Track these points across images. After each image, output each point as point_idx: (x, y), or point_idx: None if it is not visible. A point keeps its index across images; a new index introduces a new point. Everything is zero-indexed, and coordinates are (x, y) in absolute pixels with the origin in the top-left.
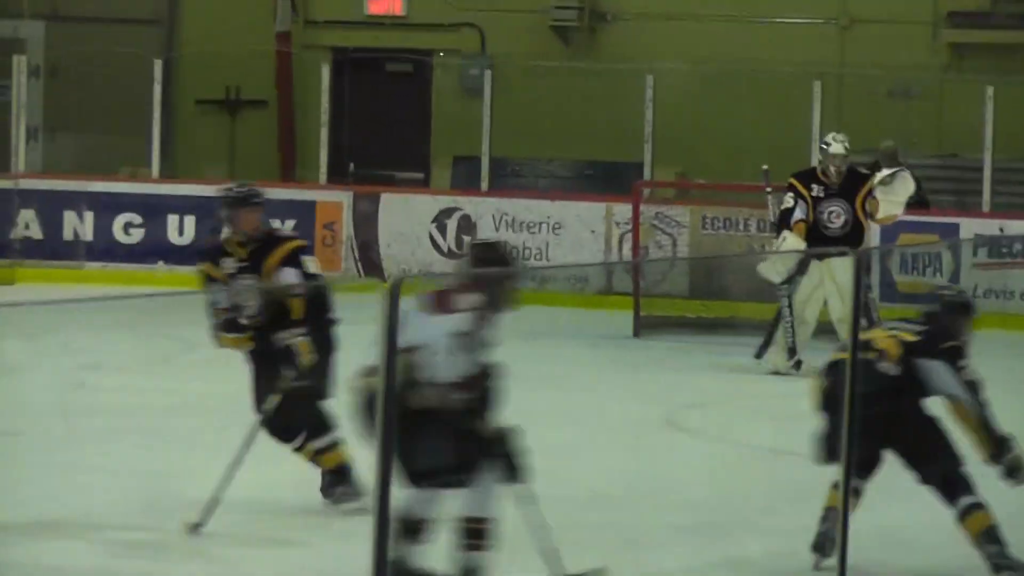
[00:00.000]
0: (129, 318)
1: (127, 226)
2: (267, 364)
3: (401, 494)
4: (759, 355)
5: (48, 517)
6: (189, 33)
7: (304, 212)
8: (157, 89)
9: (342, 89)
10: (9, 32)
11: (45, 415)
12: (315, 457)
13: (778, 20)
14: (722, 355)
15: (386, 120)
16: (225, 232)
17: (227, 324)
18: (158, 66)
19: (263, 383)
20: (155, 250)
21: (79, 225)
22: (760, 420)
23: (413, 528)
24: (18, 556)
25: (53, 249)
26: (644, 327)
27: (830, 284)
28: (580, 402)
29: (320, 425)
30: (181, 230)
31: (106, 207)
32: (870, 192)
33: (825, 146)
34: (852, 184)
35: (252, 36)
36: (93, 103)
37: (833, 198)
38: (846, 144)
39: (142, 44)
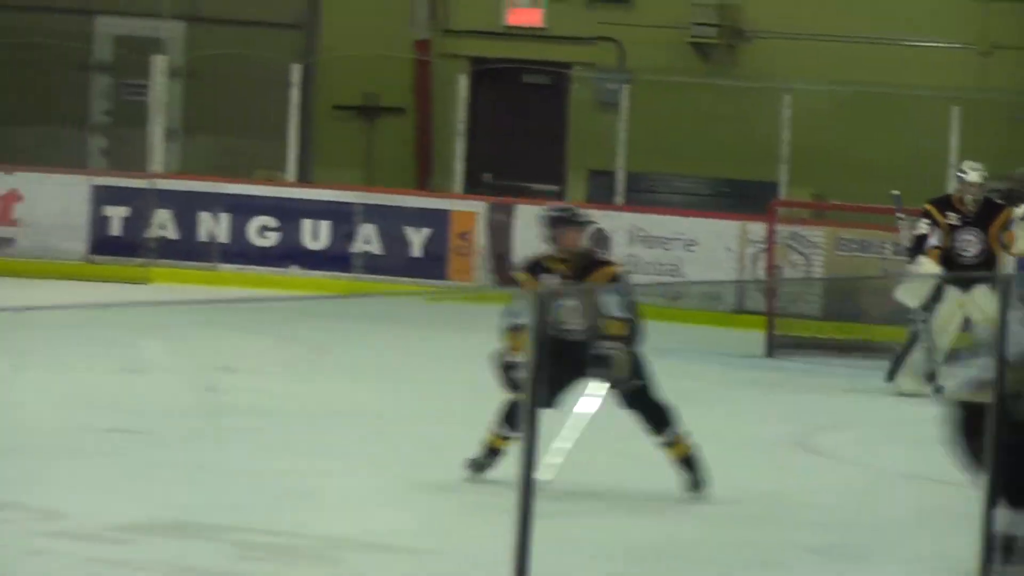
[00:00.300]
0: (262, 321)
1: (262, 229)
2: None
3: (1000, 512)
4: (890, 378)
5: (176, 517)
6: (329, 39)
7: (439, 221)
8: (295, 93)
9: (478, 99)
10: (149, 32)
11: (176, 415)
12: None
13: (918, 44)
14: (856, 378)
15: (522, 131)
16: (545, 249)
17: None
18: (297, 70)
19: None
20: (289, 254)
21: (214, 226)
22: (895, 444)
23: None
24: (147, 555)
25: (187, 250)
26: (777, 347)
27: (977, 313)
28: (712, 420)
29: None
30: (316, 235)
31: (241, 209)
32: (1006, 224)
33: (962, 174)
34: (987, 214)
35: (391, 43)
36: (231, 105)
37: (968, 227)
38: (983, 173)
39: (281, 48)
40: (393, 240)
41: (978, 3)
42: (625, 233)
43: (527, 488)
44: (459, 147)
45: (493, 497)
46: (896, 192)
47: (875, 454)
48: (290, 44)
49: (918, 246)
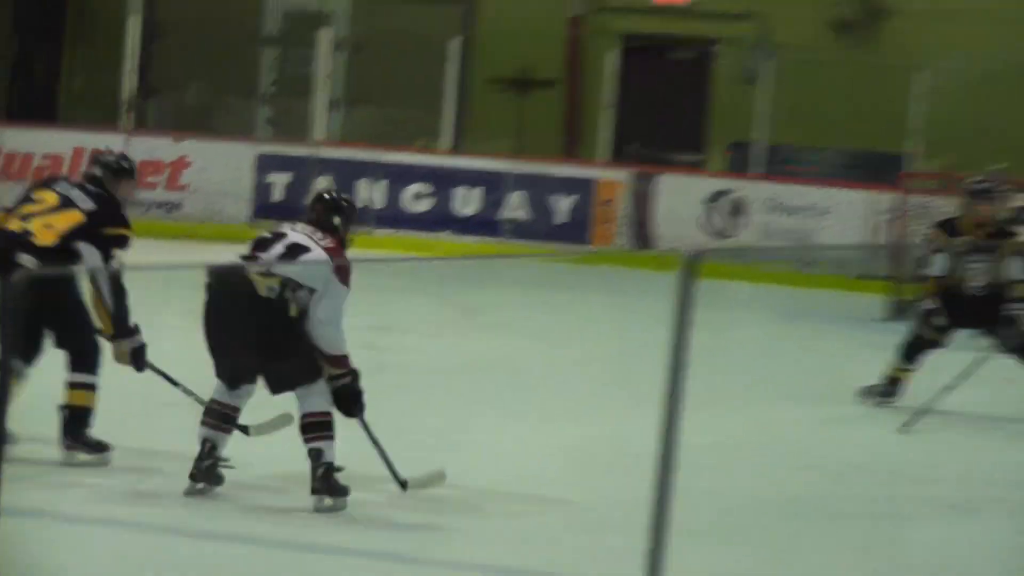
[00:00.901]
0: (416, 283)
1: (417, 196)
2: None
3: None
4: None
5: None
6: (486, 13)
7: (584, 189)
8: (453, 67)
9: (626, 73)
10: (316, 6)
11: None
12: None
13: None
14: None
15: (666, 104)
16: (959, 213)
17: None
18: (455, 45)
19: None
20: (442, 219)
21: (372, 193)
22: (1010, 403)
23: None
24: (303, 503)
25: None
26: (903, 311)
27: None
28: (837, 380)
29: None
30: (467, 201)
31: (398, 177)
32: None
33: None
34: None
35: (546, 19)
36: (391, 77)
37: None
38: None
39: (441, 23)
40: (540, 207)
41: None
42: (762, 202)
43: (669, 441)
44: (607, 119)
45: (640, 448)
46: (1005, 165)
47: (991, 411)
48: (449, 19)
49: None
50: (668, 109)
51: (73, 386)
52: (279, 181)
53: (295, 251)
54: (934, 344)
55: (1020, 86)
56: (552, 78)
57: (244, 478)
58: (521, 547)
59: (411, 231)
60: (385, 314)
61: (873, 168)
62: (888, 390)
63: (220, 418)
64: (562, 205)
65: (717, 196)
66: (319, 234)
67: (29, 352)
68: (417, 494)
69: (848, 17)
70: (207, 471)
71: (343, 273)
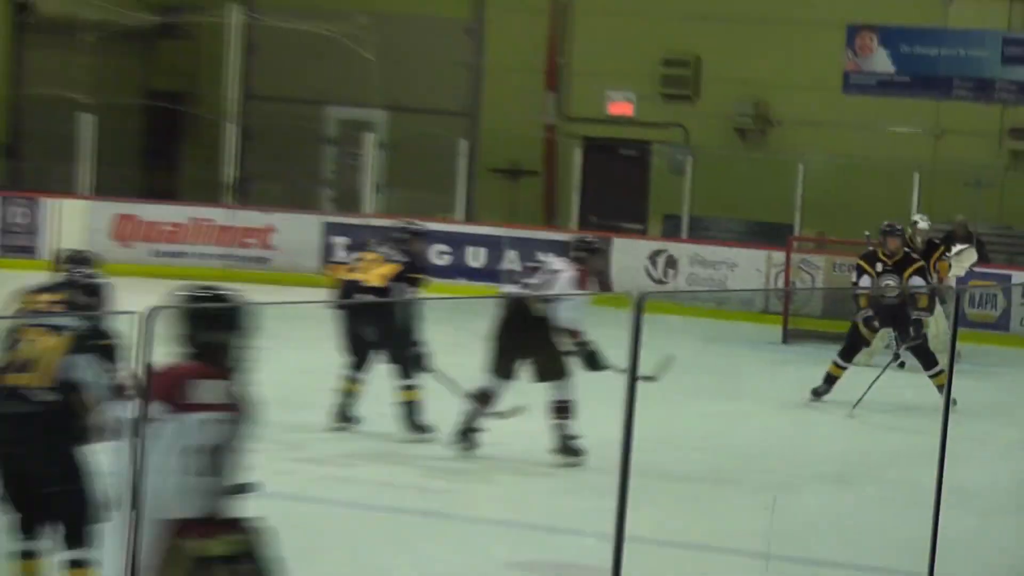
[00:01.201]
0: (439, 315)
1: (439, 253)
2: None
3: None
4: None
5: (382, 448)
6: (485, 121)
7: (560, 248)
8: (462, 160)
9: (588, 165)
10: (363, 117)
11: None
12: None
13: (892, 129)
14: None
15: (617, 188)
16: (874, 247)
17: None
18: (463, 144)
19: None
20: (457, 270)
21: None
22: (872, 401)
23: None
24: (361, 474)
25: None
26: (791, 337)
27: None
28: (747, 385)
29: None
30: (476, 257)
31: (426, 240)
32: (941, 256)
33: (915, 223)
34: (929, 251)
35: (528, 125)
36: (417, 168)
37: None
38: (929, 222)
39: (453, 128)
40: (528, 261)
41: (933, 102)
42: (688, 258)
43: (628, 430)
44: (575, 198)
45: (607, 434)
46: (867, 233)
47: (861, 407)
48: (459, 126)
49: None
50: (619, 191)
51: (406, 388)
52: (340, 243)
53: (551, 275)
54: (866, 343)
55: (871, 173)
56: (535, 169)
57: (317, 455)
58: (517, 506)
59: (435, 279)
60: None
61: (767, 234)
62: (826, 388)
63: (484, 401)
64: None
65: (656, 254)
66: (572, 264)
67: (361, 362)
68: (446, 467)
69: (746, 126)
70: (467, 435)
71: (581, 287)
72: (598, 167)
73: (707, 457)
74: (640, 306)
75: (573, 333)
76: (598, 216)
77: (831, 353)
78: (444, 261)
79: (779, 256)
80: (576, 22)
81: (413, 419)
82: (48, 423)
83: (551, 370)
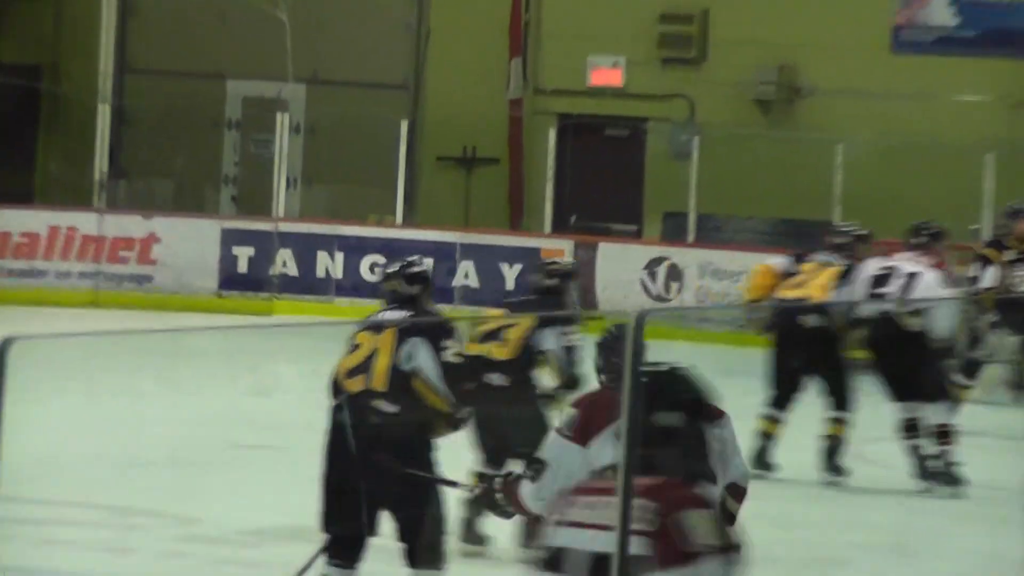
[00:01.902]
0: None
1: (373, 266)
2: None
3: None
4: None
5: (303, 523)
6: (431, 97)
7: (529, 258)
8: (402, 146)
9: (565, 150)
10: (274, 93)
11: (299, 430)
12: None
13: (955, 99)
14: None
15: (604, 178)
16: (1003, 232)
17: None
18: (404, 126)
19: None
20: None
21: (330, 264)
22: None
23: None
24: (274, 557)
25: (307, 285)
26: None
27: None
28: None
29: None
30: None
31: (354, 249)
32: None
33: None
34: None
35: (487, 101)
36: (345, 157)
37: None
38: None
39: (390, 106)
40: (489, 275)
41: (1009, 63)
42: (696, 267)
43: (627, 478)
44: (548, 192)
45: None
46: (976, 226)
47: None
48: (396, 103)
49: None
50: (606, 183)
51: (834, 421)
52: (243, 254)
53: (912, 279)
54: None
55: (924, 157)
56: (496, 155)
57: (220, 533)
58: None
59: (369, 299)
60: None
61: (797, 235)
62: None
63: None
64: (509, 273)
65: (655, 263)
66: (921, 257)
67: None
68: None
69: (768, 97)
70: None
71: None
72: (578, 153)
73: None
74: (639, 328)
75: (949, 346)
76: (579, 215)
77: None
78: (378, 276)
79: None
80: None
81: (834, 459)
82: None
83: (936, 390)
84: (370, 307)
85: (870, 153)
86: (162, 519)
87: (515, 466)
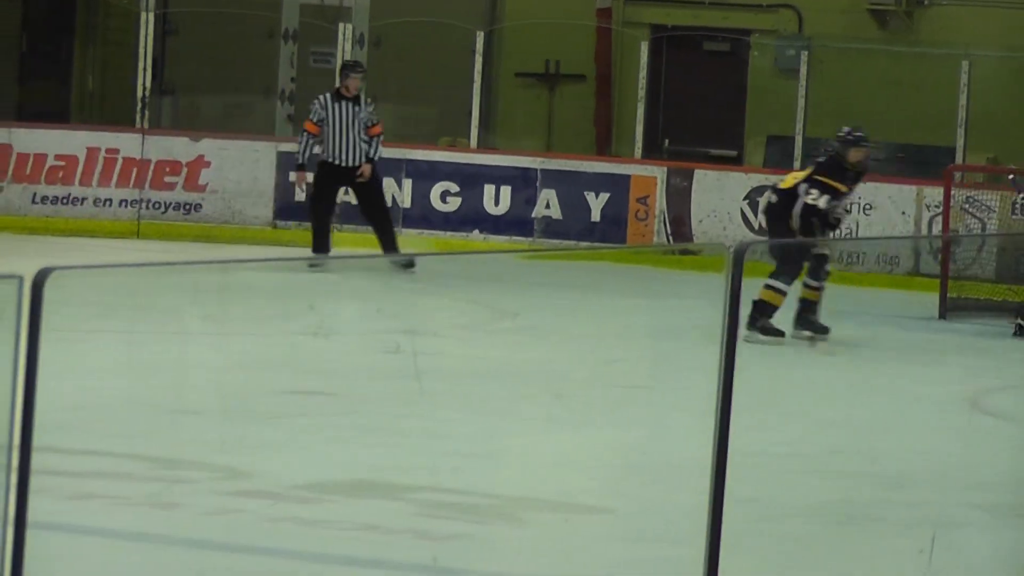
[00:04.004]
0: (445, 284)
1: (444, 194)
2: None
3: None
4: None
5: (361, 477)
6: (511, 6)
7: (618, 186)
8: (478, 61)
9: (659, 66)
10: (335, 1)
11: (361, 377)
12: None
13: None
14: None
15: (701, 98)
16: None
17: None
18: (480, 38)
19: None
20: (470, 218)
21: (397, 192)
22: None
23: None
24: (332, 514)
25: None
26: (951, 309)
27: None
28: (886, 381)
29: None
30: (497, 200)
31: (424, 175)
32: None
33: None
34: None
35: (574, 11)
36: (414, 73)
37: None
38: None
39: (465, 15)
40: (573, 205)
41: None
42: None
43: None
44: (639, 113)
45: (676, 457)
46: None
47: None
48: (472, 12)
49: None
50: (703, 102)
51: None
52: (307, 181)
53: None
54: None
55: None
56: (582, 72)
57: (274, 487)
58: (560, 557)
59: (439, 231)
60: (412, 317)
61: (917, 162)
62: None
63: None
64: (595, 203)
65: (757, 192)
66: None
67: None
68: (455, 503)
69: (885, 7)
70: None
71: None
72: (673, 69)
73: (833, 483)
74: (738, 262)
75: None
76: (673, 139)
77: (1009, 332)
78: (451, 206)
79: (935, 193)
80: None
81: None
82: None
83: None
84: (442, 239)
85: (999, 70)
86: (210, 472)
87: None
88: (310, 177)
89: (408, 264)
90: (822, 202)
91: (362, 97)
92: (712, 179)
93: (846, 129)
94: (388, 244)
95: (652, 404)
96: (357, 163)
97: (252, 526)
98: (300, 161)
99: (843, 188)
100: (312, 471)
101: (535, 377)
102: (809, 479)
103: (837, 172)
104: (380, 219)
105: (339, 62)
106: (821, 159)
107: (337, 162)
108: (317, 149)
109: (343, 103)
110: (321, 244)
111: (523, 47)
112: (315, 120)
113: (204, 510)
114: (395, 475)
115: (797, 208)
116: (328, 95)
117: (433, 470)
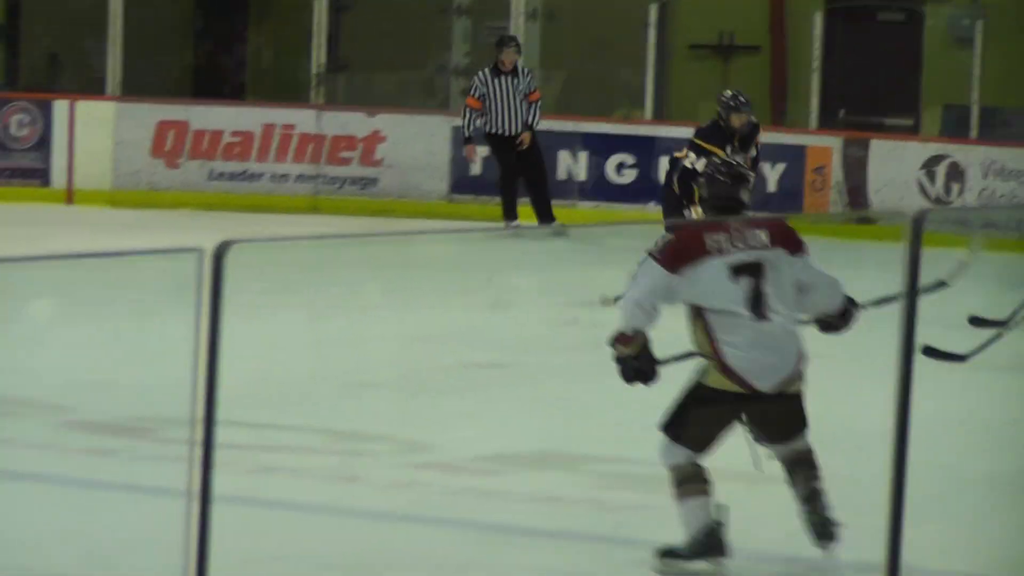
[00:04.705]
0: (618, 257)
1: (620, 166)
2: None
3: None
4: None
5: (540, 448)
6: None
7: (794, 156)
8: (652, 33)
9: (833, 36)
10: None
11: (539, 349)
12: None
13: None
14: None
15: (876, 68)
16: None
17: None
18: (654, 10)
19: None
20: (646, 190)
21: (572, 164)
22: None
23: None
24: (512, 486)
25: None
26: None
27: None
28: None
29: None
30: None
31: (599, 148)
32: None
33: None
34: None
35: None
36: (588, 46)
37: None
38: None
39: None
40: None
41: None
42: (980, 166)
43: (904, 412)
44: (814, 84)
45: (858, 425)
46: None
47: None
48: None
49: None
50: (878, 72)
51: None
52: (478, 154)
53: None
54: None
55: None
56: (756, 43)
57: (454, 460)
58: (742, 527)
59: (615, 203)
60: (591, 288)
61: None
62: None
63: None
64: (771, 173)
65: (933, 161)
66: None
67: None
68: (634, 474)
69: None
70: None
71: None
72: (848, 39)
73: (1016, 453)
74: (917, 232)
75: None
76: (848, 109)
77: None
78: (626, 178)
79: None
80: None
81: None
82: None
83: None
84: (618, 211)
85: None
86: (390, 445)
87: None
88: (479, 149)
89: (559, 233)
90: (700, 165)
91: (519, 68)
92: (889, 149)
93: (728, 93)
94: (543, 213)
95: (832, 374)
96: (519, 131)
97: (432, 498)
98: (466, 135)
99: (721, 152)
100: (491, 443)
101: None
102: (999, 450)
103: (715, 136)
104: (539, 186)
105: (516, 37)
106: (703, 125)
107: (502, 131)
108: (479, 122)
109: (502, 77)
110: (511, 214)
111: (697, 19)
112: (476, 95)
113: (385, 483)
114: (574, 446)
115: (676, 173)
116: (487, 70)
117: (612, 441)
